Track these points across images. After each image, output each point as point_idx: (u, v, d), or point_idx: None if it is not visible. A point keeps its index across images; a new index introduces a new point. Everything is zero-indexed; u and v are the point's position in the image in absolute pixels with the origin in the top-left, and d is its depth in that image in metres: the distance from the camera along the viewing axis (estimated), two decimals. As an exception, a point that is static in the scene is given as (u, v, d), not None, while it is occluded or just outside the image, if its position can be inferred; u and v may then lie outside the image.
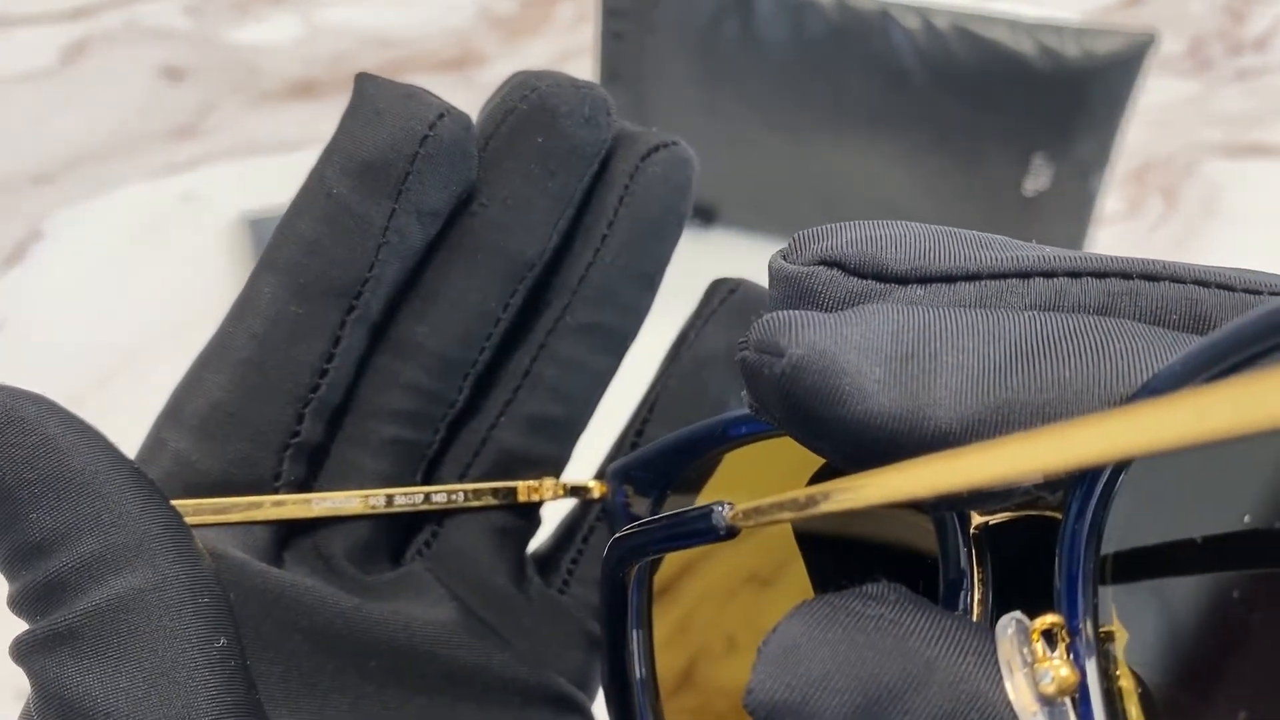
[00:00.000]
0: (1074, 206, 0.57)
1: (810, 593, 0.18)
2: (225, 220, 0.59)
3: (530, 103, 0.21)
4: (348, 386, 0.22)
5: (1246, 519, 0.11)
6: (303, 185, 0.21)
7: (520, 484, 0.23)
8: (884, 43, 0.54)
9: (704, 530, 0.15)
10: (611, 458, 0.24)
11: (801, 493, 0.13)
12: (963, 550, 0.14)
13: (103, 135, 0.63)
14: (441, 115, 0.20)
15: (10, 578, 0.17)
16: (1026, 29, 0.53)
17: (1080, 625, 0.12)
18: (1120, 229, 0.65)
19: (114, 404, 0.50)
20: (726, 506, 0.15)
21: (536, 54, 0.70)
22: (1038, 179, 0.56)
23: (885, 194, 0.58)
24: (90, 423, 0.18)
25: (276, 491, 0.21)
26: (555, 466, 0.23)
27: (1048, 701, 0.12)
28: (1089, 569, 0.12)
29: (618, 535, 0.18)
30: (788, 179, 0.59)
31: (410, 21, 0.71)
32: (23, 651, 0.17)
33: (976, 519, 0.14)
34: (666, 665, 0.21)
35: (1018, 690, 0.12)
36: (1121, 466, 0.12)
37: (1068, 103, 0.54)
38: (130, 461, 0.18)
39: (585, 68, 0.64)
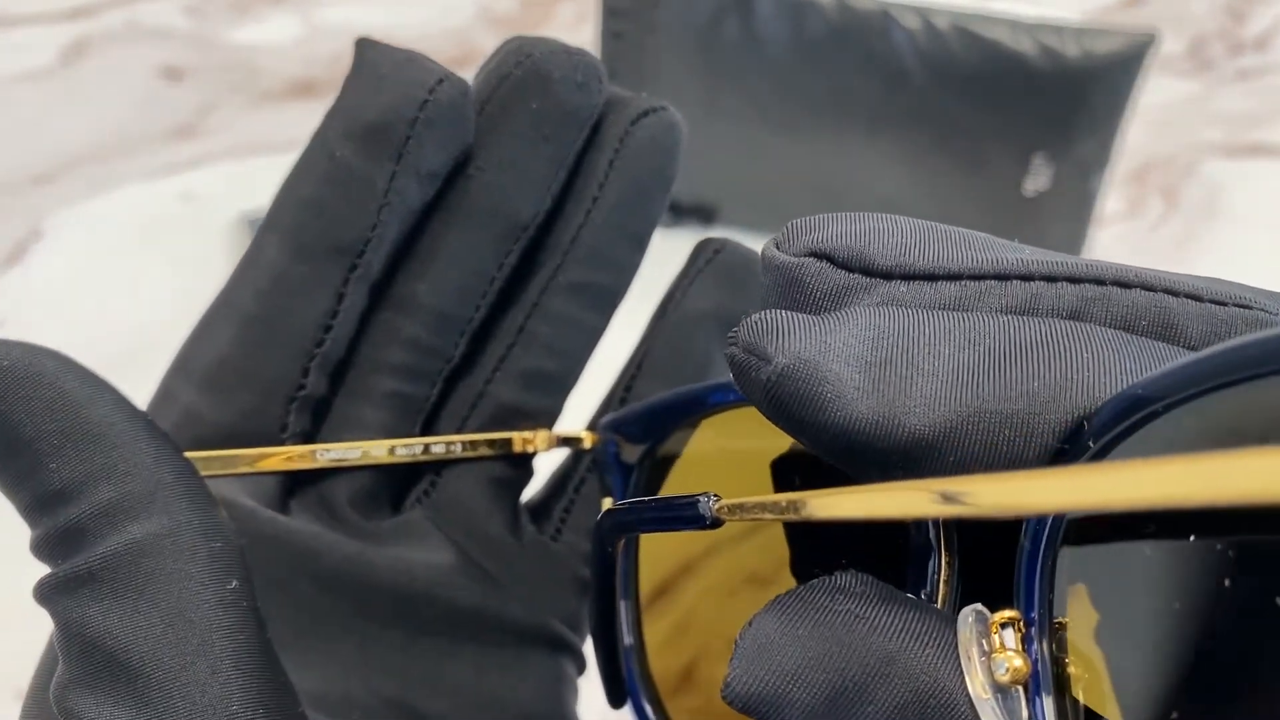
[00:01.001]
0: (1074, 206, 0.57)
1: None
2: (225, 220, 0.59)
3: (525, 69, 0.22)
4: (349, 342, 0.23)
5: (1198, 521, 0.12)
6: (305, 149, 0.22)
7: (515, 435, 0.24)
8: (884, 43, 0.54)
9: (690, 518, 0.16)
10: (602, 411, 0.25)
11: (783, 498, 0.14)
12: (932, 535, 0.14)
13: (102, 135, 0.63)
14: (440, 80, 0.21)
15: (32, 524, 0.18)
16: (1026, 29, 0.53)
17: (1035, 618, 0.13)
18: (1120, 229, 0.65)
19: (114, 404, 0.50)
20: (713, 498, 0.15)
21: (536, 54, 0.71)
22: (1038, 179, 0.56)
23: (885, 194, 0.58)
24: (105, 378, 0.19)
25: (283, 443, 0.22)
26: (549, 419, 0.24)
27: (1001, 690, 0.12)
28: (1047, 566, 0.13)
29: (608, 509, 0.19)
30: (788, 178, 0.59)
31: (410, 21, 0.71)
32: (45, 593, 0.18)
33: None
34: (666, 665, 0.22)
35: (974, 679, 0.12)
36: None
37: (1068, 103, 0.54)
38: (144, 414, 0.19)
39: (585, 68, 0.64)
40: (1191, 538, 0.12)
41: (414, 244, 0.23)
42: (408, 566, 0.22)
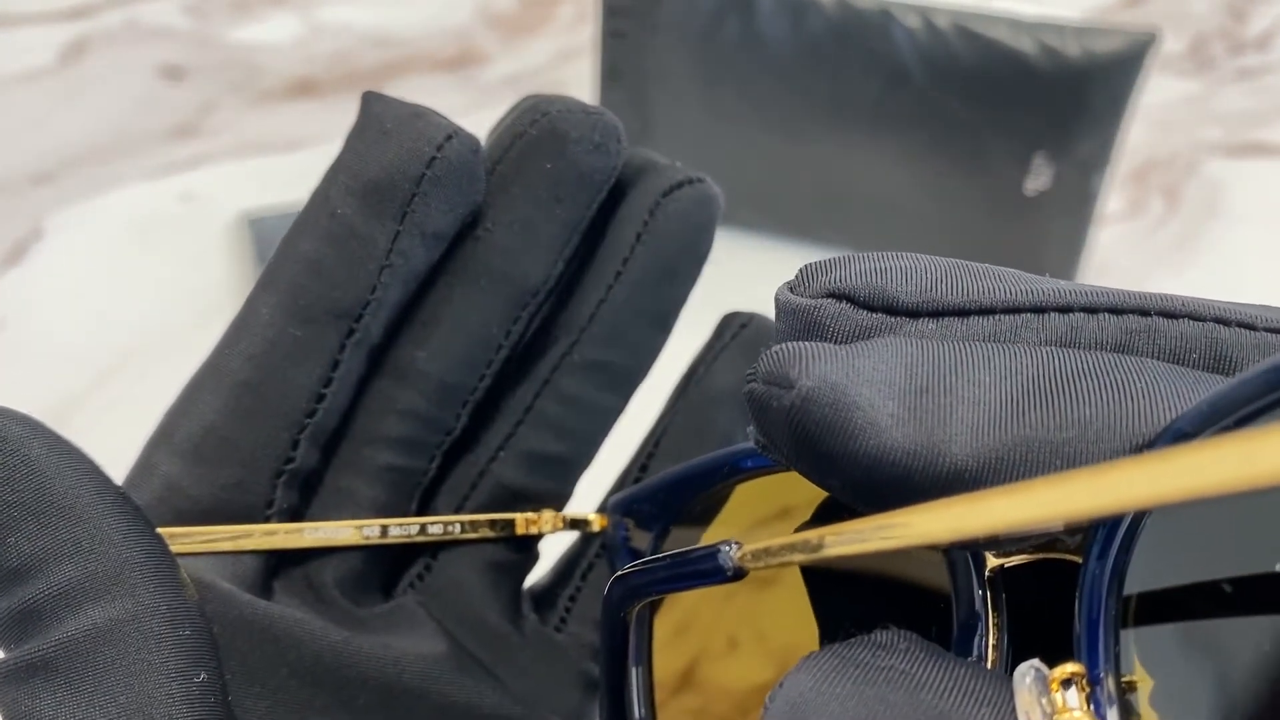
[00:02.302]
0: (1075, 206, 0.57)
1: (808, 600, 0.18)
2: (225, 220, 0.59)
3: (540, 128, 0.21)
4: (344, 411, 0.21)
5: (1278, 563, 0.11)
6: (306, 204, 0.21)
7: (518, 516, 0.22)
8: (885, 42, 0.54)
9: (710, 571, 0.14)
10: (615, 492, 0.24)
11: (813, 534, 0.12)
12: (977, 594, 0.13)
13: (102, 135, 0.63)
14: (449, 137, 0.20)
15: None
16: (1027, 28, 0.53)
17: (1101, 674, 0.11)
18: (1121, 229, 0.65)
19: (113, 403, 0.50)
20: (734, 546, 0.14)
21: (536, 53, 0.70)
22: (1039, 178, 0.56)
23: (886, 193, 0.58)
24: (78, 445, 0.18)
25: (269, 519, 0.20)
26: (554, 504, 0.23)
27: None
28: (1110, 615, 0.11)
29: (619, 574, 0.17)
30: (788, 178, 0.59)
31: (410, 21, 0.71)
32: (7, 682, 0.16)
33: (992, 561, 0.13)
34: (666, 666, 0.21)
35: None
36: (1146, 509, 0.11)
37: (1069, 102, 0.54)
38: (116, 487, 0.18)
39: (585, 67, 0.64)
40: (1264, 591, 0.11)
41: (417, 307, 0.21)
42: (397, 657, 0.20)
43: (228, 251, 0.58)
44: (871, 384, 0.12)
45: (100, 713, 0.15)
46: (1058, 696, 0.11)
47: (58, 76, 0.66)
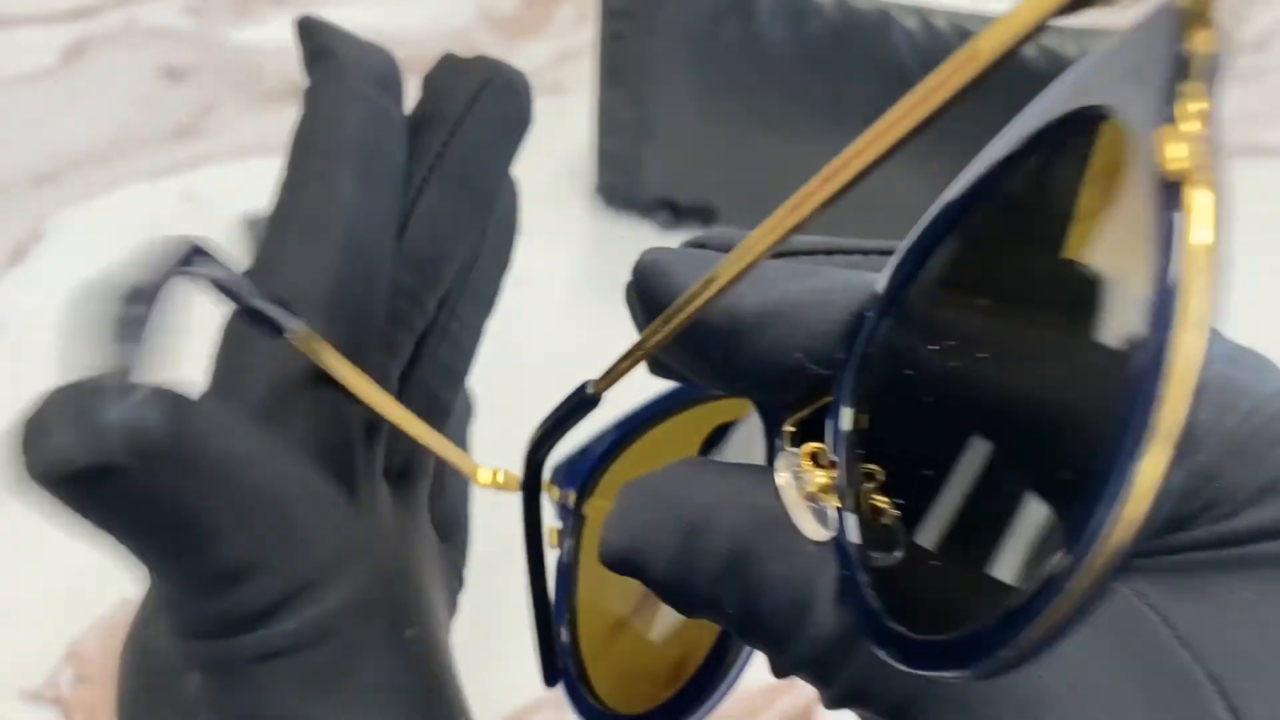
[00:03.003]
0: (1074, 207, 0.57)
1: None
2: (225, 220, 0.59)
3: (502, 79, 0.25)
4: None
5: (979, 364, 0.15)
6: (323, 98, 0.24)
7: (489, 470, 0.25)
8: (884, 43, 0.54)
9: (582, 405, 0.19)
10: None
11: (644, 336, 0.17)
12: (779, 442, 0.17)
13: (103, 135, 0.63)
14: (383, 50, 0.26)
15: (197, 602, 0.18)
16: (1027, 29, 0.53)
17: (837, 447, 0.16)
18: (1120, 229, 0.65)
19: (114, 404, 0.50)
20: (590, 381, 0.19)
21: (536, 54, 0.70)
22: (1038, 179, 0.56)
23: (885, 194, 0.58)
24: (225, 416, 0.19)
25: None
26: (447, 417, 0.27)
27: (813, 499, 0.16)
28: (843, 409, 0.16)
29: (530, 449, 0.21)
30: (787, 179, 0.59)
31: (410, 22, 0.71)
32: (232, 665, 0.17)
33: (789, 420, 0.18)
34: (600, 622, 0.25)
35: (789, 495, 0.16)
36: (881, 328, 0.16)
37: (1068, 103, 0.54)
38: (290, 453, 0.19)
39: (585, 68, 0.64)
40: (957, 362, 0.15)
41: (415, 210, 0.25)
42: (396, 548, 0.23)
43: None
44: (687, 259, 0.18)
45: (346, 695, 0.17)
46: (806, 463, 0.16)
47: (59, 77, 0.66)
